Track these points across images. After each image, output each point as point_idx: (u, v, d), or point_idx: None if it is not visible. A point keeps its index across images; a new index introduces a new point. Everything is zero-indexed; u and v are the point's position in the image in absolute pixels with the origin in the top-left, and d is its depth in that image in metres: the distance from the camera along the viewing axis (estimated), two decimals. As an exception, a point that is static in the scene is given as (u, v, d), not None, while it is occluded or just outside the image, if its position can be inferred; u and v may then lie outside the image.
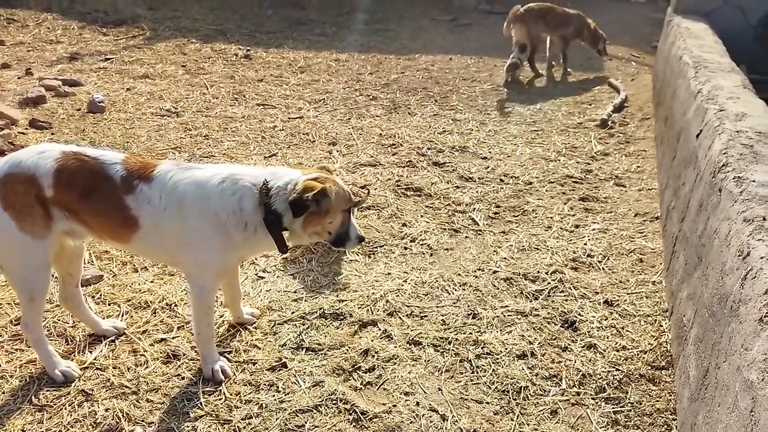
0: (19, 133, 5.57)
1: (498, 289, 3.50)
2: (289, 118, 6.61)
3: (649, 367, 2.86)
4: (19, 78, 7.65)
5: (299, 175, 2.52)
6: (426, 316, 3.28)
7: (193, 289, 2.67)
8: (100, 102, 6.52)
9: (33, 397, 2.69)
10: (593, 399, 2.68)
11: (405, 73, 8.59)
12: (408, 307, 3.36)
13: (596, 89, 7.78)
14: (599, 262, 3.76)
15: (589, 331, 3.10)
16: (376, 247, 4.01)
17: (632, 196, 4.68)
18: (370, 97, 7.47)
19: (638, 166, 5.22)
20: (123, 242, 2.63)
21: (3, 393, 2.72)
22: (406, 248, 4.00)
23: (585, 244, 3.96)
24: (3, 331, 3.07)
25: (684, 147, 3.80)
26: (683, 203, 3.34)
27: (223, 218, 2.46)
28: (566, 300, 3.37)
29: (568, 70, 8.37)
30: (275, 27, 11.30)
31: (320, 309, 3.31)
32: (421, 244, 4.03)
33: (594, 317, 3.21)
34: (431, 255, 3.92)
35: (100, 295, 3.39)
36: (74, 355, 2.94)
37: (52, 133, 5.72)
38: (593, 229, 4.17)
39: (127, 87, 7.43)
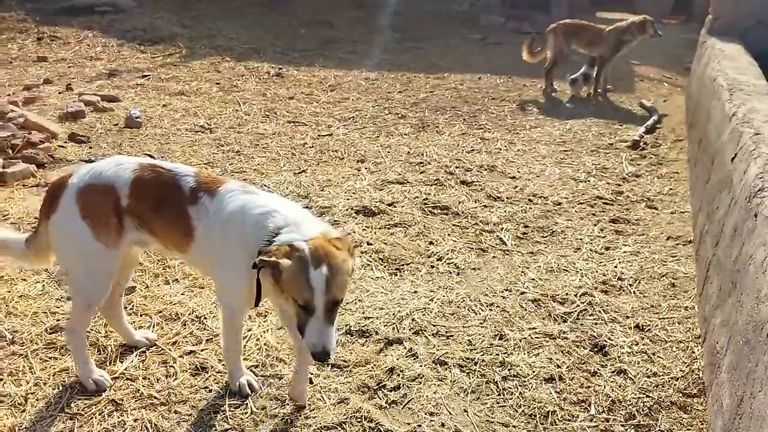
0: (58, 146, 5.75)
1: (525, 310, 3.47)
2: (318, 136, 6.70)
3: (681, 395, 2.79)
4: (59, 93, 7.93)
5: (310, 235, 2.29)
6: (452, 335, 3.27)
7: (223, 308, 2.72)
8: (137, 117, 6.71)
9: (66, 405, 2.75)
10: (623, 426, 2.63)
11: (434, 92, 8.64)
12: (434, 326, 3.35)
13: (627, 110, 7.71)
14: (630, 285, 3.70)
15: (619, 356, 3.04)
16: (403, 265, 4.01)
17: (664, 219, 4.60)
18: (399, 115, 7.53)
19: (671, 189, 5.14)
20: (183, 252, 2.67)
21: (37, 400, 2.78)
22: (432, 266, 4.00)
23: (615, 266, 3.91)
24: (39, 339, 3.16)
25: (718, 170, 3.73)
26: (717, 228, 3.28)
27: (250, 248, 2.39)
28: (596, 323, 3.32)
29: (608, 87, 8.32)
30: (307, 45, 11.50)
31: (346, 326, 3.32)
32: (448, 263, 4.03)
33: (624, 342, 3.15)
34: (458, 274, 3.91)
35: (132, 306, 3.46)
36: (106, 365, 3.00)
37: (90, 147, 5.90)
38: (624, 252, 4.11)
39: (164, 103, 7.63)
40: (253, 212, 2.43)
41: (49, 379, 2.91)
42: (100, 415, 2.71)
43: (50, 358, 3.06)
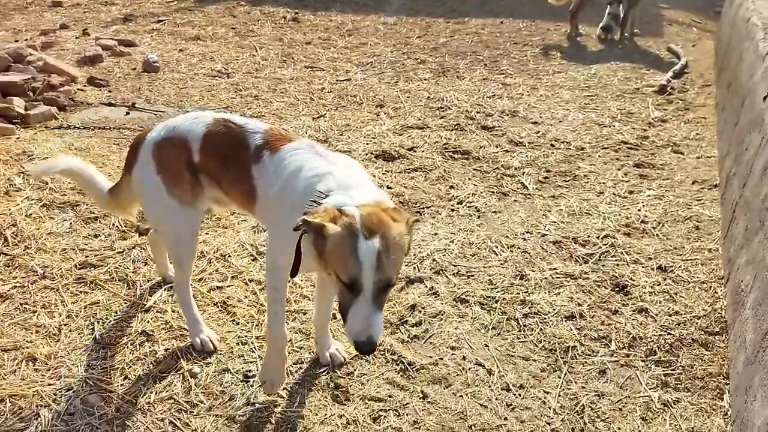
0: (78, 89, 5.75)
1: (546, 251, 3.47)
2: (336, 80, 6.61)
3: (702, 333, 2.80)
4: (76, 38, 7.87)
5: (360, 201, 1.96)
6: (473, 275, 3.29)
7: (266, 262, 2.51)
8: (154, 62, 6.66)
9: (98, 336, 2.84)
10: (643, 361, 2.66)
11: (454, 37, 8.44)
12: (454, 266, 3.37)
13: (655, 55, 7.47)
14: (653, 228, 3.67)
15: (641, 296, 3.05)
16: (423, 208, 4.01)
17: (690, 164, 4.52)
18: (419, 60, 7.38)
19: (697, 134, 5.02)
20: (250, 212, 2.50)
21: (70, 331, 2.88)
22: (453, 210, 3.99)
23: (639, 210, 3.87)
24: (69, 275, 3.23)
25: (749, 111, 3.63)
26: (745, 169, 3.21)
27: (298, 209, 2.06)
28: (618, 264, 3.31)
29: (635, 30, 8.04)
30: (323, -12, 11.20)
31: (368, 265, 3.36)
32: (469, 206, 4.02)
33: (647, 282, 3.15)
34: (479, 217, 3.90)
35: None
36: (135, 298, 3.08)
37: (110, 91, 5.88)
38: (648, 196, 4.05)
39: (180, 48, 7.55)
40: (306, 174, 2.17)
41: (80, 311, 3.00)
42: (131, 345, 2.79)
43: (80, 292, 3.14)
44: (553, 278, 3.21)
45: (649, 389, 2.51)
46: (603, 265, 3.31)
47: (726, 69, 5.40)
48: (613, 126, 5.25)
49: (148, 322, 2.94)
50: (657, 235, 3.61)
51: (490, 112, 5.62)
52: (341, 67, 7.09)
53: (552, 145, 4.93)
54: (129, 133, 4.93)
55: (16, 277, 3.18)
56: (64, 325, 2.91)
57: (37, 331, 2.86)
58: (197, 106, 5.67)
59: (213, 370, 2.66)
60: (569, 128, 5.25)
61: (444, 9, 9.95)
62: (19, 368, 2.65)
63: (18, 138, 4.49)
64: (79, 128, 4.87)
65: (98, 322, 2.93)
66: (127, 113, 5.31)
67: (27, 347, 2.75)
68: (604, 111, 5.61)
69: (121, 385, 2.58)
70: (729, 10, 6.47)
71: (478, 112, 5.62)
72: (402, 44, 8.10)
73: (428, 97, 6.09)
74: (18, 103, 4.94)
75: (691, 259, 3.34)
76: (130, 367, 2.67)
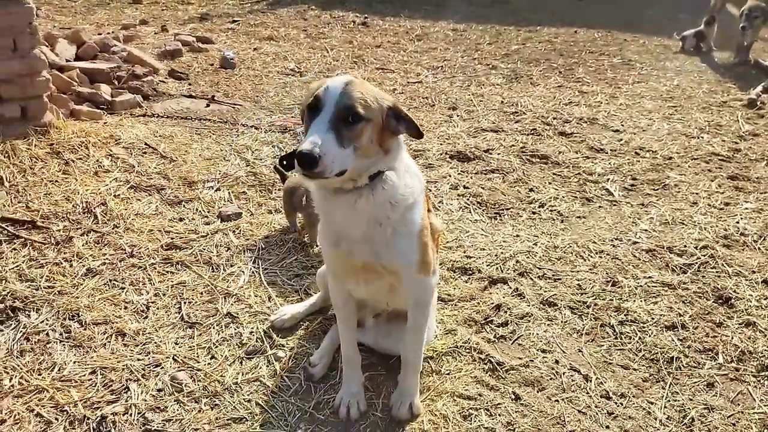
0: (160, 81, 5.92)
1: (639, 259, 3.30)
2: (408, 82, 6.58)
3: (820, 353, 2.58)
4: (155, 33, 8.15)
5: None
6: (560, 279, 3.15)
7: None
8: (231, 59, 6.80)
9: (185, 315, 2.85)
10: (755, 376, 2.46)
11: (526, 45, 8.30)
12: (539, 269, 3.25)
13: (741, 69, 7.13)
14: (755, 241, 3.44)
15: (746, 309, 2.84)
16: (502, 210, 3.90)
17: (789, 179, 4.24)
18: (490, 66, 7.28)
19: (795, 149, 4.72)
20: None
21: (158, 309, 2.90)
22: (534, 213, 3.86)
23: (737, 222, 3.64)
24: (155, 255, 3.28)
25: None
26: None
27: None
28: (719, 276, 3.11)
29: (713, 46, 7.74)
30: (392, -5, 11.28)
31: (450, 262, 3.27)
32: (551, 210, 3.88)
33: (752, 296, 2.94)
34: (562, 221, 3.76)
35: (240, 230, 3.54)
36: (219, 281, 3.09)
37: (189, 84, 6.04)
38: (746, 209, 3.82)
39: (254, 47, 7.71)
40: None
41: (167, 290, 3.03)
42: (218, 326, 2.79)
43: (167, 272, 3.18)
44: (649, 287, 3.04)
45: (764, 406, 2.32)
46: (703, 276, 3.12)
47: (827, 82, 5.08)
48: (702, 137, 5.01)
49: (232, 304, 2.94)
50: (759, 248, 3.38)
51: (568, 119, 5.46)
52: (412, 70, 7.07)
53: (636, 153, 4.73)
54: (209, 124, 5.03)
55: (106, 254, 3.25)
56: (152, 302, 2.94)
57: (125, 307, 2.90)
58: (272, 102, 5.75)
59: (297, 353, 2.62)
60: (654, 137, 5.03)
61: (515, 17, 9.83)
62: (109, 342, 2.69)
63: (105, 122, 4.63)
64: (162, 117, 5.00)
65: (184, 301, 2.95)
66: (207, 105, 5.42)
67: (116, 322, 2.79)
68: (690, 122, 5.36)
69: (208, 364, 2.57)
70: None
71: (554, 118, 5.47)
72: (472, 50, 8.03)
73: (501, 101, 5.98)
74: (105, 90, 5.12)
75: (799, 276, 3.11)
76: (217, 347, 2.67)
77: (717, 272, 3.15)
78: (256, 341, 2.70)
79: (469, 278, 3.20)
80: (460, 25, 9.36)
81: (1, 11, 3.73)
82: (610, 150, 4.79)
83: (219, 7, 10.11)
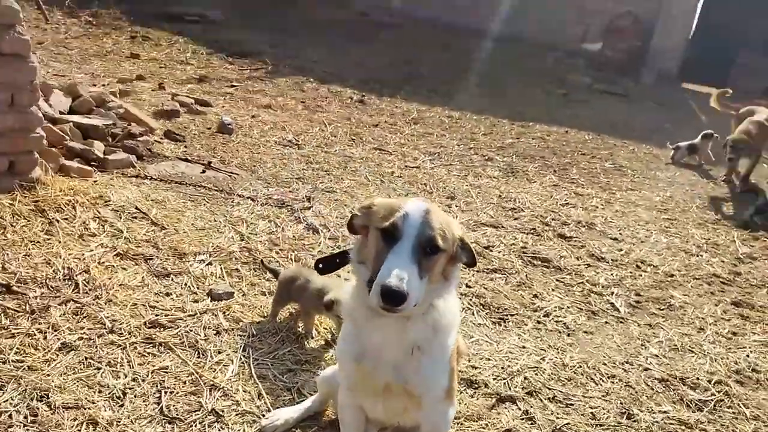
0: (155, 141, 5.74)
1: (653, 390, 3.13)
2: (406, 166, 6.55)
3: None
4: (152, 90, 8.05)
5: None
6: (572, 404, 2.95)
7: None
8: (228, 124, 6.70)
9: (165, 407, 2.55)
10: None
11: (520, 139, 8.45)
12: (549, 389, 3.05)
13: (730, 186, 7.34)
14: (767, 380, 3.32)
15: (771, 461, 2.68)
16: (507, 315, 3.74)
17: (792, 310, 4.21)
18: (486, 157, 7.34)
19: (792, 277, 4.73)
20: None
21: (135, 396, 2.60)
22: (539, 322, 3.71)
23: (748, 356, 3.53)
24: (137, 332, 2.99)
25: None
26: None
27: None
28: (737, 418, 2.96)
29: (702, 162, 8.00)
30: (388, 77, 11.55)
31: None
32: (557, 321, 3.73)
33: (774, 444, 2.78)
34: (569, 335, 3.61)
35: (230, 312, 3.28)
36: (204, 369, 2.80)
37: (186, 147, 5.87)
38: (754, 341, 3.73)
39: (252, 114, 7.65)
40: None
41: (147, 376, 2.73)
42: (200, 423, 2.50)
43: (148, 353, 2.88)
44: (666, 424, 2.86)
45: None
46: (720, 416, 2.96)
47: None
48: (701, 255, 5.00)
49: (218, 399, 2.66)
50: (773, 388, 3.26)
51: (566, 221, 5.43)
52: (409, 153, 7.06)
53: (638, 266, 4.67)
54: (204, 191, 4.83)
55: (84, 328, 2.95)
56: (130, 388, 2.64)
57: (100, 391, 2.60)
58: (270, 173, 5.61)
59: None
60: (653, 251, 5.01)
61: (508, 111, 10.08)
62: (79, 431, 2.36)
63: (95, 181, 4.40)
64: (155, 179, 4.79)
65: (165, 391, 2.66)
66: (203, 171, 5.24)
67: (89, 408, 2.49)
68: (688, 238, 5.38)
69: (187, 477, 2.26)
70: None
71: (553, 219, 5.44)
72: (468, 139, 8.12)
73: (500, 195, 5.96)
74: (98, 147, 4.91)
75: (819, 424, 2.97)
76: (197, 455, 2.36)
77: (734, 413, 2.99)
78: (244, 452, 2.40)
79: (475, 392, 2.98)
80: (456, 113, 9.53)
81: (4, 67, 3.56)
82: (611, 260, 4.73)
83: (218, 71, 10.13)
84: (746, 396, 3.14)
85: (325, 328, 3.29)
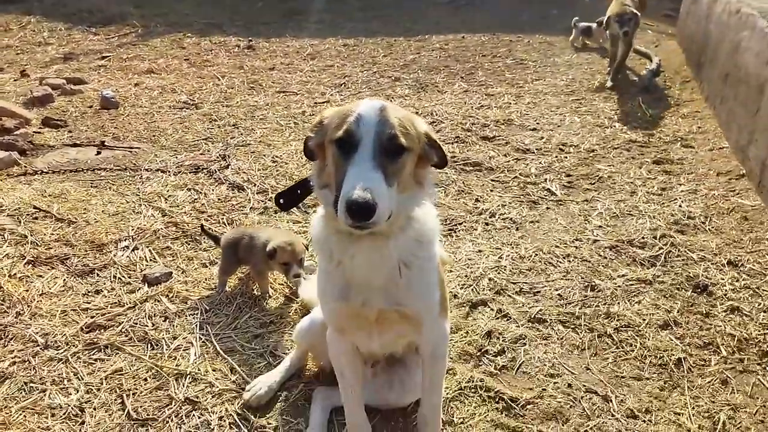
0: (34, 132, 5.14)
1: (606, 258, 3.24)
2: (315, 103, 6.27)
3: (805, 327, 2.62)
4: (15, 80, 7.18)
5: None
6: (539, 291, 3.01)
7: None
8: (111, 98, 6.11)
9: (132, 410, 2.34)
10: (759, 365, 2.44)
11: (421, 54, 8.29)
12: (514, 284, 3.08)
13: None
14: (702, 223, 3.52)
15: (725, 294, 2.85)
16: (455, 225, 3.72)
17: (706, 156, 4.46)
18: (393, 78, 7.16)
19: (699, 127, 5.00)
20: None
21: (94, 409, 2.37)
22: (487, 224, 3.72)
23: (680, 206, 3.72)
24: (75, 341, 2.71)
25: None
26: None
27: None
28: (687, 264, 3.12)
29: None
30: (269, 18, 10.92)
31: (422, 292, 3.01)
32: (503, 219, 3.75)
33: (724, 279, 2.96)
34: (517, 229, 3.65)
35: (173, 293, 3.04)
36: (164, 360, 2.60)
37: (70, 131, 5.30)
38: (682, 191, 3.93)
39: (135, 82, 7.01)
40: None
41: (101, 383, 2.49)
42: (176, 417, 2.32)
43: (95, 359, 2.63)
44: (627, 286, 2.97)
45: (782, 395, 2.28)
46: (672, 266, 3.11)
47: (711, 63, 5.45)
48: (614, 126, 5.17)
49: (189, 386, 2.48)
50: (709, 230, 3.46)
51: (485, 123, 5.43)
52: (315, 90, 6.76)
53: (561, 149, 4.77)
54: (106, 174, 4.40)
55: (14, 351, 2.64)
56: (86, 402, 2.40)
57: (53, 414, 2.35)
58: (173, 139, 5.19)
59: (287, 436, 2.23)
60: (571, 132, 5.12)
61: (401, 29, 9.84)
62: (40, 465, 2.13)
63: (-22, 189, 3.89)
64: (47, 173, 4.30)
65: (127, 394, 2.44)
66: (98, 153, 4.76)
67: (45, 437, 2.23)
68: (599, 113, 5.54)
69: (178, 469, 2.11)
70: (696, 7, 6.62)
71: (473, 124, 5.42)
72: (370, 63, 7.87)
73: (416, 112, 5.81)
74: (-30, 151, 4.33)
75: (755, 251, 3.20)
76: (182, 445, 2.20)
77: (683, 260, 3.16)
78: (230, 428, 2.27)
79: (449, 304, 2.95)
80: (350, 40, 9.19)
81: None
82: (536, 149, 4.79)
83: (83, 44, 9.16)
84: (689, 242, 3.31)
85: (281, 284, 3.13)
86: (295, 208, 3.70)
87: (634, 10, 6.23)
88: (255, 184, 4.22)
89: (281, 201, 1.90)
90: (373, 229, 1.51)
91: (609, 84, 6.28)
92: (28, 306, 2.88)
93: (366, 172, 1.46)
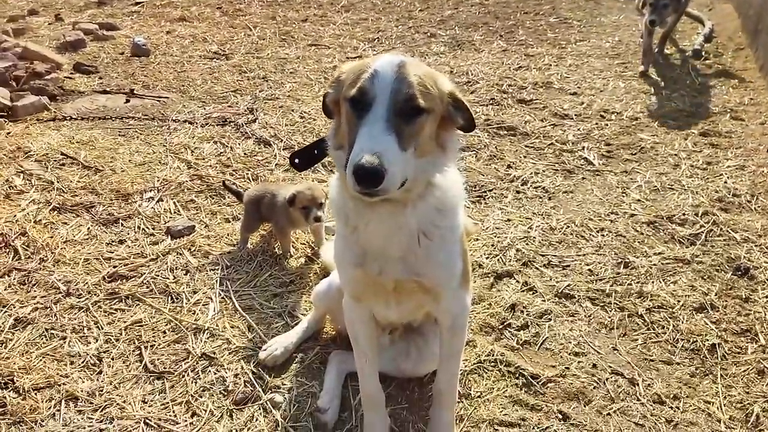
0: (66, 77, 5.12)
1: (643, 234, 3.09)
2: (347, 58, 6.09)
3: None
4: (49, 24, 7.18)
5: None
6: (568, 266, 2.89)
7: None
8: (143, 45, 6.04)
9: (149, 362, 2.35)
10: (801, 357, 2.30)
11: (459, 9, 7.97)
12: (543, 256, 2.96)
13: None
14: (749, 201, 3.32)
15: (767, 279, 2.69)
16: (485, 192, 3.59)
17: (756, 131, 4.19)
18: (428, 34, 6.90)
19: (751, 99, 4.70)
20: None
21: (113, 359, 2.38)
22: (518, 192, 3.58)
23: (725, 182, 3.52)
24: (97, 290, 2.72)
25: None
26: None
27: None
28: (728, 245, 2.95)
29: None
30: (307, -34, 10.59)
31: (446, 259, 2.92)
32: (535, 187, 3.61)
33: (767, 263, 2.80)
34: (549, 199, 3.50)
35: (196, 247, 3.02)
36: (183, 314, 2.59)
37: (100, 78, 5.27)
38: (728, 167, 3.71)
39: (167, 30, 6.92)
40: None
41: (120, 334, 2.50)
42: (192, 372, 2.32)
43: (116, 309, 2.64)
44: (663, 264, 2.83)
45: (822, 390, 2.16)
46: (712, 246, 2.95)
47: (766, 30, 5.08)
48: (661, 94, 4.90)
49: (206, 342, 2.47)
50: (755, 209, 3.26)
51: (523, 85, 5.20)
52: (347, 44, 6.57)
53: (602, 116, 4.54)
54: (134, 123, 4.37)
55: (36, 297, 2.66)
56: (104, 352, 2.41)
57: (72, 362, 2.37)
58: (202, 90, 5.12)
59: (298, 395, 2.20)
60: (614, 98, 4.87)
61: (440, -19, 9.45)
62: (59, 411, 2.16)
63: (9, 133, 3.90)
64: (76, 119, 4.29)
65: (145, 346, 2.44)
66: (127, 101, 4.73)
67: (64, 383, 2.26)
68: (645, 78, 5.24)
69: (191, 424, 2.11)
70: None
71: (509, 85, 5.20)
72: (405, 18, 7.61)
73: (451, 71, 5.64)
74: (2, 94, 4.33)
75: (804, 234, 3.00)
76: (197, 399, 2.20)
77: (725, 240, 2.99)
78: (245, 386, 2.25)
79: (472, 275, 2.86)
80: (387, -8, 8.88)
81: None
82: (575, 115, 4.58)
83: (118, -13, 9.07)
84: (733, 221, 3.13)
85: (303, 243, 3.08)
86: (320, 166, 3.62)
87: None
88: (282, 140, 4.14)
89: (296, 161, 1.81)
90: (385, 197, 1.41)
91: (641, 69, 5.20)
92: (52, 253, 2.90)
93: (377, 135, 1.35)
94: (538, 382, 2.22)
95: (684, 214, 3.20)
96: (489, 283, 2.79)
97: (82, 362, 2.37)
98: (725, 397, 2.13)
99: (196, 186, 3.55)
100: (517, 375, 2.27)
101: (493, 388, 2.21)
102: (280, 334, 2.45)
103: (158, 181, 3.56)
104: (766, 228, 3.07)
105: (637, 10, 6.64)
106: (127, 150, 3.93)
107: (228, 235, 3.14)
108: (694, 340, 2.38)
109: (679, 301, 2.58)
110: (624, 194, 3.47)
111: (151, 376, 2.31)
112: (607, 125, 4.38)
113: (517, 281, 2.79)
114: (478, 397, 2.18)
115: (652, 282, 2.71)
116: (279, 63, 5.88)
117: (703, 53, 5.72)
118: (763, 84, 4.90)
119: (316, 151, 1.81)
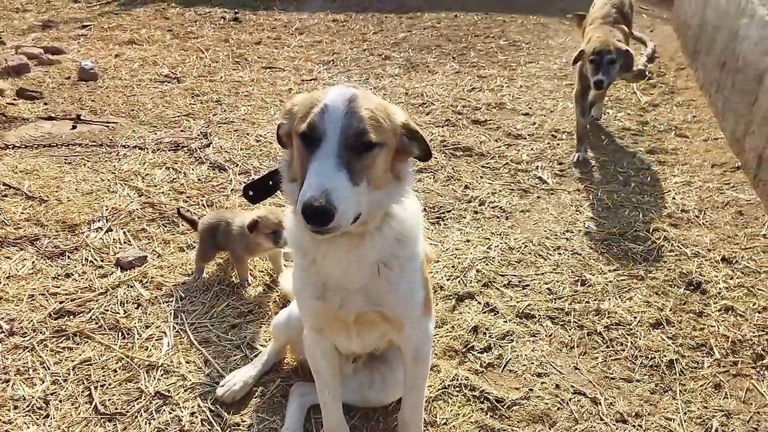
0: (8, 103, 4.91)
1: (597, 251, 3.15)
2: (302, 80, 6.08)
3: (799, 329, 2.56)
4: (-11, 47, 6.90)
5: None
6: (527, 285, 2.91)
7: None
8: (90, 69, 5.88)
9: (99, 404, 2.23)
10: (754, 368, 2.37)
11: (412, 32, 8.08)
12: (503, 276, 2.98)
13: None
14: (696, 217, 3.43)
15: (719, 293, 2.78)
16: (443, 213, 3.60)
17: (701, 147, 4.36)
18: (382, 56, 6.96)
19: (694, 116, 4.90)
20: None
21: (60, 402, 2.25)
22: (476, 212, 3.61)
23: (674, 198, 3.64)
24: (43, 328, 2.58)
25: (777, 88, 3.47)
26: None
27: None
28: (680, 260, 3.04)
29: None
30: (259, -11, 10.58)
31: (407, 283, 2.90)
32: (493, 207, 3.65)
33: (717, 276, 2.88)
34: (507, 218, 3.54)
35: (148, 278, 2.91)
36: (135, 350, 2.47)
37: (45, 103, 5.08)
38: (675, 183, 3.84)
39: (115, 53, 6.76)
40: None
41: (68, 374, 2.37)
42: (146, 412, 2.21)
43: (63, 348, 2.50)
44: (618, 281, 2.89)
45: (775, 401, 2.22)
46: (665, 262, 3.03)
47: (707, 50, 5.34)
48: (608, 113, 5.06)
49: (160, 379, 2.36)
50: (703, 224, 3.38)
51: (477, 106, 5.29)
52: (302, 66, 6.56)
53: (553, 135, 4.65)
54: (81, 150, 4.21)
55: (-26, 339, 2.49)
56: (51, 394, 2.28)
57: (15, 407, 2.23)
58: (153, 114, 4.99)
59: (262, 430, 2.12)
60: (564, 118, 5.00)
61: (393, 4, 9.59)
62: (0, 462, 2.02)
63: (-56, 163, 3.70)
64: (19, 147, 4.10)
65: (95, 386, 2.32)
66: (74, 127, 4.56)
67: (7, 430, 2.11)
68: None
69: (146, 469, 2.00)
70: (691, -7, 6.48)
71: (464, 107, 5.27)
72: (359, 40, 7.66)
73: (406, 93, 5.69)
74: (-64, 122, 4.11)
75: (750, 248, 3.12)
76: (153, 442, 2.09)
77: (676, 255, 3.08)
78: (202, 425, 2.16)
79: (433, 297, 2.85)
80: (340, 16, 8.94)
81: None
82: (528, 135, 4.67)
83: (62, 12, 8.84)
84: (683, 236, 3.23)
85: (261, 271, 3.00)
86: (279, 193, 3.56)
87: (622, 46, 4.07)
88: (237, 165, 4.07)
89: (250, 193, 1.77)
90: (337, 233, 1.39)
91: (575, 158, 4.17)
92: (-7, 290, 2.74)
93: (327, 171, 1.33)
94: (503, 406, 2.21)
95: (636, 231, 3.29)
96: (451, 305, 2.78)
97: (28, 406, 2.23)
98: (685, 413, 2.17)
99: (148, 214, 3.44)
100: (482, 399, 2.25)
101: (459, 414, 2.19)
102: (238, 368, 2.37)
103: (107, 210, 3.44)
104: (715, 242, 3.18)
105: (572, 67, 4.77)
106: (73, 178, 3.78)
107: (182, 264, 3.04)
108: (652, 356, 2.42)
109: (635, 318, 2.63)
110: (578, 212, 3.55)
111: (102, 418, 2.19)
112: (558, 144, 4.48)
113: (479, 302, 2.79)
114: (444, 424, 2.15)
115: (609, 299, 2.76)
116: (233, 86, 5.81)
117: (647, 73, 5.95)
118: (704, 102, 5.12)
119: (270, 182, 1.77)
